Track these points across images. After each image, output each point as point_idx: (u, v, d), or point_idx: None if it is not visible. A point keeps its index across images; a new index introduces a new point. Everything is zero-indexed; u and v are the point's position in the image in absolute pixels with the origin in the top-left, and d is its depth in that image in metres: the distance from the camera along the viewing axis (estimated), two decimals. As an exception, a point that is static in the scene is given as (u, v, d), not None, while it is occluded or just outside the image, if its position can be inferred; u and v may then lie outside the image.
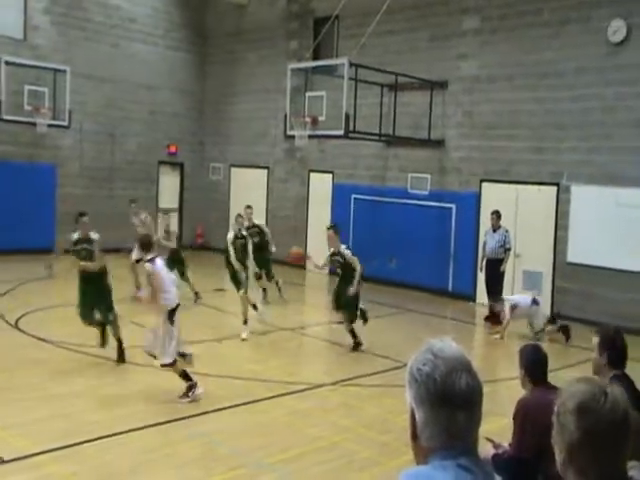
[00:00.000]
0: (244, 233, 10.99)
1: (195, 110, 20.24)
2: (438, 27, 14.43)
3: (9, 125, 15.87)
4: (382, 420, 6.95)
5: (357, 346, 9.61)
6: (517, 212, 13.01)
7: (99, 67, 17.92)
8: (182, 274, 11.94)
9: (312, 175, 17.36)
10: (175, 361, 7.10)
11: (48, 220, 17.03)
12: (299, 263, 12.79)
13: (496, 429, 4.95)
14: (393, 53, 14.82)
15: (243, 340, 9.84)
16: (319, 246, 17.09)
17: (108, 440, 6.01)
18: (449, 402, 1.62)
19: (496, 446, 3.96)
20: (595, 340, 3.83)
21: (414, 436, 1.69)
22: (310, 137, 13.64)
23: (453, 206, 14.22)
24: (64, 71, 16.23)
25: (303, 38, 17.30)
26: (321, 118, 13.33)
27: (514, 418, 3.91)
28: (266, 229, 13.35)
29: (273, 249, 12.96)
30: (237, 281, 10.47)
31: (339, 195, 16.49)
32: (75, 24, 17.66)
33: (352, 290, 9.39)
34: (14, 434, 5.99)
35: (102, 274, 8.44)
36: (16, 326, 9.80)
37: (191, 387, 7.12)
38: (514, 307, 10.72)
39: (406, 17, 14.83)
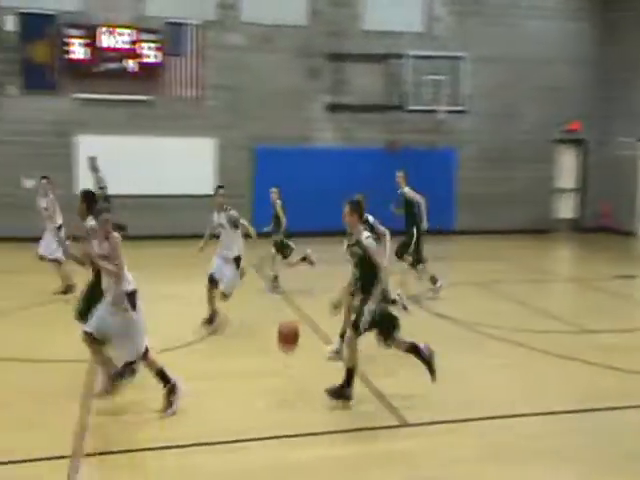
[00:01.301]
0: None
1: (597, 82, 18.85)
2: None
3: (411, 115, 17.25)
4: None
5: None
6: None
7: (493, 49, 18.06)
8: None
9: None
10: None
11: (448, 202, 17.98)
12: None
13: None
14: None
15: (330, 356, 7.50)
16: None
17: (499, 420, 6.01)
18: None
19: None
20: None
21: None
22: None
23: None
24: (463, 58, 16.93)
25: None
26: None
27: None
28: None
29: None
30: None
31: None
32: (470, 10, 18.09)
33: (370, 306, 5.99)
34: (410, 403, 6.39)
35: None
36: (417, 302, 10.49)
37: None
38: None
39: None
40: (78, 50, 15.94)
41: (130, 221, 16.41)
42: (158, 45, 16.31)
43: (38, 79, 15.91)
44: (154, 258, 13.55)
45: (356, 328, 6.07)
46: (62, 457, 5.04)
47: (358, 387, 6.56)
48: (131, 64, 16.23)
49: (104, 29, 16.00)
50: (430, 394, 6.52)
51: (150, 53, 16.30)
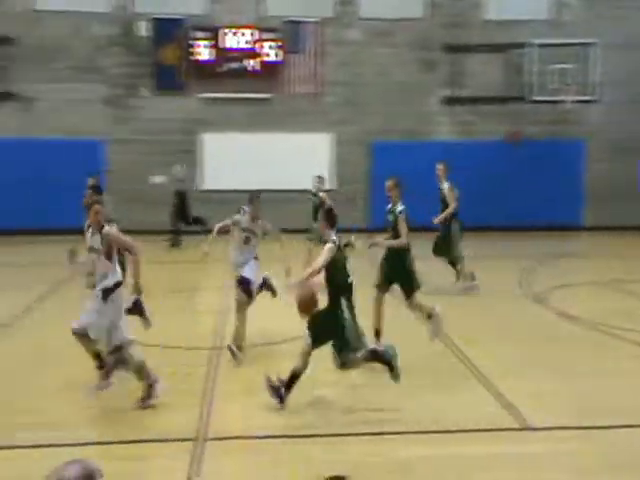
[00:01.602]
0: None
1: None
2: None
3: (534, 105, 16.64)
4: None
5: None
6: None
7: (626, 34, 17.03)
8: None
9: None
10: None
11: (575, 196, 17.23)
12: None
13: None
14: None
15: None
16: None
17: (627, 429, 5.64)
18: None
19: None
20: None
21: None
22: None
23: None
24: (593, 44, 16.11)
25: None
26: None
27: None
28: None
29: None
30: None
31: None
32: (602, -6, 17.16)
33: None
34: (534, 406, 6.14)
35: None
36: (542, 301, 10.09)
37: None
38: None
39: None
40: (203, 52, 16.62)
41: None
42: (278, 44, 16.68)
43: (167, 81, 16.75)
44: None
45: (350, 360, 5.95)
46: (187, 439, 5.28)
47: (481, 389, 6.43)
48: (252, 63, 16.70)
49: (227, 30, 16.58)
50: (555, 397, 6.26)
51: (271, 52, 16.70)
